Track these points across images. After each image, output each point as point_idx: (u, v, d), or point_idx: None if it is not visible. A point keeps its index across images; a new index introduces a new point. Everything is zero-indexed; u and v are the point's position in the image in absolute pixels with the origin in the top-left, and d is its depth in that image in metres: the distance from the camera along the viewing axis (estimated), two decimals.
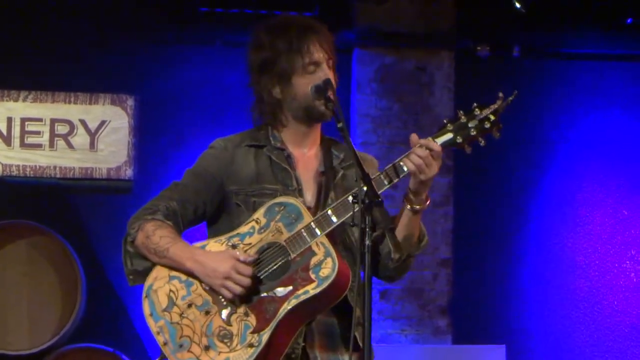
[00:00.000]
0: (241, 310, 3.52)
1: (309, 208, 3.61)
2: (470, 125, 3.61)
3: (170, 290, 3.57)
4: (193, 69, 6.69)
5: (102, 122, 6.46)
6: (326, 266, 3.49)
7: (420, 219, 3.67)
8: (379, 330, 6.54)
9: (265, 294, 3.52)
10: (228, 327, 3.52)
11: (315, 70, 3.66)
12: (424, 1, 6.75)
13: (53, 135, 6.43)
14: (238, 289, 3.49)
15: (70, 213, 6.56)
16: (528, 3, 6.42)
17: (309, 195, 3.69)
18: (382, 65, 6.75)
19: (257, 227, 3.59)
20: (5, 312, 6.17)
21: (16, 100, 6.44)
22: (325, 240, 3.53)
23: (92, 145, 6.45)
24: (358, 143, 6.61)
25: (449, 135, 3.62)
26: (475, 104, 3.63)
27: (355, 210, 3.41)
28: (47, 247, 6.21)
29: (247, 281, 3.49)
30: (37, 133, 6.43)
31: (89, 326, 6.34)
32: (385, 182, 3.60)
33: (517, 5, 6.42)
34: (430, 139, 3.59)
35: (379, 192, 3.49)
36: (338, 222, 3.54)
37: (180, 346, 3.53)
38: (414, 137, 3.61)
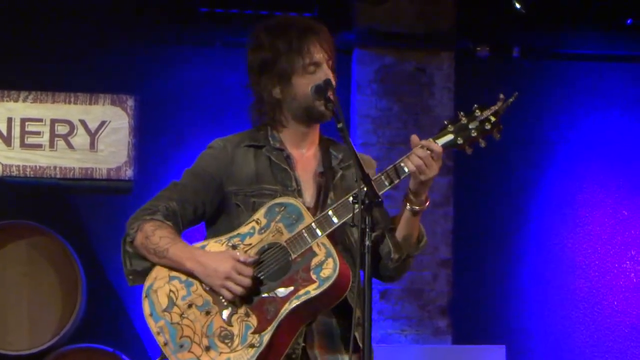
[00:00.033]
0: (242, 310, 3.52)
1: (308, 208, 3.61)
2: (470, 126, 3.62)
3: (170, 291, 3.57)
4: (193, 69, 6.70)
5: (102, 123, 6.47)
6: (327, 267, 3.49)
7: (420, 220, 3.67)
8: (379, 331, 6.54)
9: (266, 295, 3.52)
10: (229, 328, 3.52)
11: (315, 71, 3.66)
12: (424, 1, 6.75)
13: (53, 135, 6.43)
14: (238, 289, 3.49)
15: (71, 213, 6.56)
16: (528, 3, 6.43)
17: (308, 195, 3.69)
18: (382, 65, 6.75)
19: (257, 227, 3.59)
20: (5, 312, 6.17)
21: (16, 100, 6.44)
22: (326, 241, 3.53)
23: (92, 145, 6.46)
24: (358, 144, 6.61)
25: (450, 137, 3.62)
26: (475, 106, 3.64)
27: (358, 211, 3.41)
28: (47, 248, 6.21)
29: (247, 281, 3.49)
30: (37, 133, 6.43)
31: (89, 326, 6.34)
32: (386, 183, 3.60)
33: (517, 5, 6.43)
34: (431, 140, 3.60)
35: (380, 193, 3.49)
36: (339, 223, 3.54)
37: (181, 346, 3.52)
38: (414, 138, 3.62)
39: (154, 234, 3.58)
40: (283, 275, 3.52)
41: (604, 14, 6.78)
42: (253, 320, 3.50)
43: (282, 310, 3.48)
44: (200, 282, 3.56)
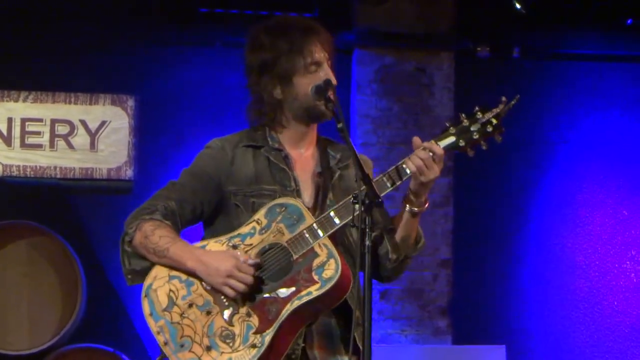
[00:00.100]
0: (243, 310, 3.52)
1: (307, 208, 3.61)
2: (472, 128, 3.62)
3: (170, 290, 3.57)
4: (193, 69, 6.70)
5: (103, 123, 6.47)
6: (329, 267, 3.50)
7: (419, 221, 3.67)
8: (379, 331, 6.54)
9: (267, 295, 3.52)
10: (230, 328, 3.52)
11: (316, 70, 3.66)
12: (424, 2, 6.75)
13: (53, 135, 6.43)
14: (241, 287, 3.49)
15: (71, 213, 6.56)
16: (528, 3, 6.43)
17: (307, 195, 3.69)
18: (382, 66, 6.75)
19: (258, 227, 3.59)
20: (5, 312, 6.17)
21: (16, 100, 6.44)
22: (328, 242, 3.53)
23: (93, 145, 6.46)
24: (358, 144, 6.61)
25: (452, 139, 3.63)
26: (477, 107, 3.64)
27: (359, 211, 3.41)
28: (47, 248, 6.21)
29: (249, 279, 3.49)
30: (38, 133, 6.44)
31: (89, 326, 6.34)
32: (388, 185, 3.60)
33: (517, 5, 6.43)
34: (433, 141, 3.60)
35: (382, 194, 3.49)
36: (341, 224, 3.54)
37: (182, 346, 3.52)
38: (416, 139, 3.62)
39: (153, 234, 3.58)
40: (284, 275, 3.52)
41: (604, 14, 6.78)
42: (254, 321, 3.50)
43: (283, 311, 3.48)
44: (201, 281, 3.56)
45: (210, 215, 3.71)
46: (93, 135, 6.46)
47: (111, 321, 6.49)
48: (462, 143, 3.62)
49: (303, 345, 3.58)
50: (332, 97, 3.60)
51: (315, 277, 3.49)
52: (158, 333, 3.55)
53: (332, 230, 3.54)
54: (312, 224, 3.54)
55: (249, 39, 3.75)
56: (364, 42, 6.74)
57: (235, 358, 3.48)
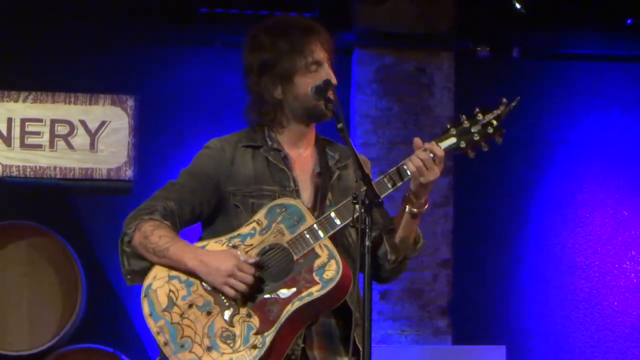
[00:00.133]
0: (244, 311, 3.51)
1: (307, 209, 3.61)
2: (473, 130, 3.62)
3: (170, 290, 3.57)
4: (193, 69, 6.69)
5: (102, 123, 6.47)
6: (330, 268, 3.50)
7: (419, 222, 3.68)
8: (379, 331, 6.54)
9: (268, 296, 3.52)
10: (231, 328, 3.51)
11: (317, 70, 3.66)
12: (424, 2, 6.75)
13: (53, 135, 6.43)
14: (241, 286, 3.49)
15: (71, 214, 6.56)
16: (528, 3, 6.42)
17: (306, 195, 3.69)
18: (382, 66, 6.75)
19: (258, 228, 3.59)
20: (5, 312, 6.16)
21: (16, 100, 6.44)
22: (329, 243, 3.53)
23: (92, 145, 6.46)
24: (358, 144, 6.61)
25: (453, 140, 3.63)
26: (477, 109, 3.64)
27: (359, 211, 3.40)
28: (47, 248, 6.21)
29: (250, 279, 3.49)
30: (37, 134, 6.43)
31: (89, 327, 6.34)
32: (389, 185, 3.60)
33: (517, 5, 6.42)
34: (434, 143, 3.60)
35: (383, 195, 3.49)
36: (342, 225, 3.54)
37: (182, 346, 3.52)
38: (417, 140, 3.61)
39: (152, 234, 3.58)
40: (285, 276, 3.52)
41: (604, 14, 6.78)
42: (255, 321, 3.50)
43: (284, 312, 3.48)
44: (201, 281, 3.56)
45: (209, 215, 3.71)
46: (93, 135, 6.45)
47: (111, 321, 6.49)
48: (462, 144, 3.62)
49: (303, 345, 3.58)
50: (332, 97, 3.60)
51: (316, 278, 3.49)
52: (158, 333, 3.55)
53: (333, 231, 3.54)
54: (312, 225, 3.54)
55: (249, 39, 3.74)
56: (364, 42, 6.74)
57: (236, 359, 3.47)
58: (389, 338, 6.60)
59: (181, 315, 3.54)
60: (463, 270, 6.76)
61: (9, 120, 6.42)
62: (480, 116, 3.63)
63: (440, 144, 3.60)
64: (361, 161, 3.69)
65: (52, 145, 6.43)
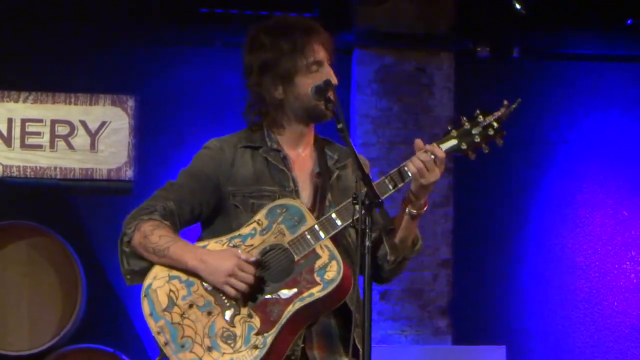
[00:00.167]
0: (245, 311, 3.51)
1: (308, 210, 3.61)
2: (474, 131, 3.63)
3: (170, 290, 3.57)
4: (193, 69, 6.69)
5: (103, 123, 6.47)
6: (331, 269, 3.50)
7: (417, 223, 3.68)
8: (379, 331, 6.54)
9: (269, 296, 3.52)
10: (231, 329, 3.51)
11: (317, 70, 3.66)
12: (424, 2, 6.75)
13: (53, 136, 6.43)
14: (242, 286, 3.49)
15: (71, 214, 6.56)
16: (528, 4, 6.43)
17: (305, 195, 3.69)
18: (382, 66, 6.75)
19: (259, 228, 3.59)
20: (5, 312, 6.16)
21: (16, 101, 6.44)
22: (330, 244, 3.53)
23: (93, 146, 6.46)
24: (358, 144, 6.61)
25: (454, 142, 3.63)
26: (478, 111, 3.64)
27: (359, 212, 3.40)
28: (47, 248, 6.21)
29: (250, 279, 3.49)
30: (38, 134, 6.44)
31: (89, 327, 6.34)
32: (390, 187, 3.60)
33: (517, 5, 6.42)
34: (434, 144, 3.60)
35: (384, 197, 3.50)
36: (343, 226, 3.54)
37: (182, 346, 3.52)
38: (418, 142, 3.61)
39: (152, 233, 3.58)
40: (286, 276, 3.52)
41: (604, 14, 6.78)
42: (256, 322, 3.50)
43: (285, 312, 3.48)
44: (202, 281, 3.56)
45: (208, 215, 3.71)
46: (93, 135, 6.45)
47: (111, 321, 6.49)
48: (463, 146, 3.62)
49: (302, 345, 3.58)
50: (332, 97, 3.60)
51: (317, 279, 3.49)
52: (158, 333, 3.55)
53: (334, 232, 3.54)
54: (313, 226, 3.54)
55: (249, 39, 3.74)
56: (364, 42, 6.74)
57: (237, 359, 3.47)
58: (389, 338, 6.60)
59: (182, 315, 3.54)
60: (463, 270, 6.76)
61: (9, 121, 6.42)
62: (480, 118, 3.64)
63: (441, 146, 3.60)
64: (361, 161, 3.70)
65: (52, 145, 6.44)
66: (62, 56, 6.51)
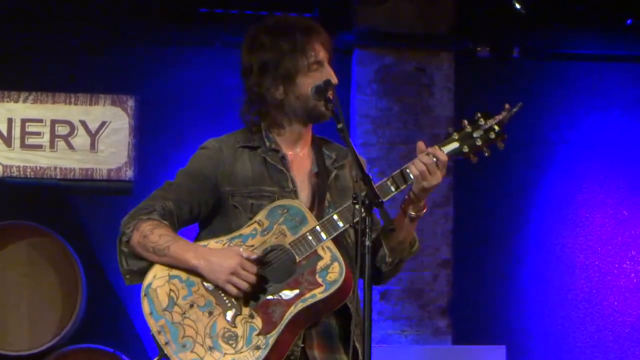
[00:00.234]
0: (246, 312, 3.51)
1: (309, 211, 3.61)
2: (475, 135, 3.63)
3: (171, 290, 3.56)
4: (193, 69, 6.69)
5: (103, 123, 6.46)
6: (333, 271, 3.50)
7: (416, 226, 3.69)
8: (379, 331, 6.54)
9: (271, 297, 3.51)
10: (233, 329, 3.51)
11: (318, 70, 3.66)
12: (424, 2, 6.75)
13: (53, 136, 6.43)
14: (244, 285, 3.49)
15: (71, 214, 6.56)
16: (528, 3, 6.43)
17: (304, 195, 3.69)
18: (382, 66, 6.75)
19: (259, 229, 3.59)
20: (5, 312, 6.16)
21: (16, 101, 6.44)
22: (332, 245, 3.53)
23: (93, 146, 6.46)
24: (358, 144, 6.61)
25: (456, 145, 3.63)
26: (479, 113, 3.65)
27: (359, 211, 3.40)
28: (47, 248, 6.21)
29: (253, 278, 3.49)
30: (38, 134, 6.43)
31: (89, 327, 6.34)
32: (392, 189, 3.60)
33: (517, 5, 6.43)
34: (436, 147, 3.60)
35: (386, 199, 3.50)
36: (345, 227, 3.54)
37: (183, 346, 3.51)
38: (420, 144, 3.61)
39: (152, 233, 3.57)
40: (288, 277, 3.52)
41: (604, 14, 6.77)
42: (258, 322, 3.50)
43: (287, 313, 3.48)
44: (202, 281, 3.55)
45: (207, 215, 3.71)
46: (93, 135, 6.45)
47: (111, 321, 6.49)
48: (465, 149, 3.63)
49: (302, 345, 3.58)
50: (331, 97, 3.60)
51: (319, 280, 3.49)
52: (159, 333, 3.54)
53: (335, 234, 3.54)
54: (315, 227, 3.54)
55: (248, 39, 3.74)
56: (364, 42, 6.74)
57: (239, 359, 3.47)
58: (389, 338, 6.60)
59: (182, 315, 3.54)
60: (463, 270, 6.76)
61: (9, 121, 6.42)
62: (482, 121, 3.64)
63: (443, 148, 3.61)
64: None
65: (52, 145, 6.43)
66: (62, 56, 6.51)
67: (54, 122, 6.43)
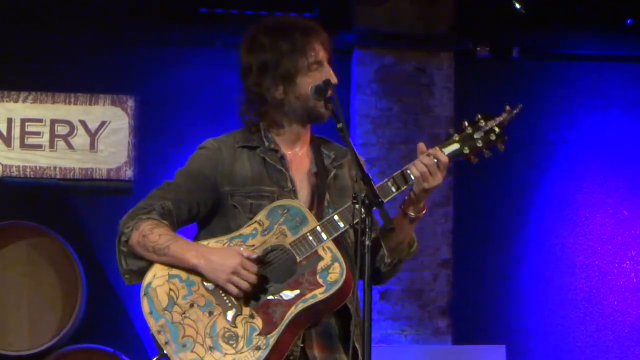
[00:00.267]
0: (246, 312, 3.51)
1: (309, 211, 3.61)
2: (476, 136, 3.63)
3: (171, 289, 3.56)
4: (193, 69, 6.69)
5: (102, 123, 6.46)
6: (334, 271, 3.50)
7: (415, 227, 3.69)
8: (379, 331, 6.54)
9: (271, 297, 3.51)
10: (233, 329, 3.51)
11: (318, 70, 3.66)
12: (424, 2, 6.75)
13: (53, 136, 6.43)
14: (245, 285, 3.48)
15: (71, 214, 6.56)
16: (528, 4, 6.43)
17: (303, 195, 3.69)
18: (382, 66, 6.75)
19: (260, 229, 3.58)
20: (5, 312, 6.16)
21: (16, 101, 6.43)
22: (332, 245, 3.53)
23: (92, 146, 6.45)
24: (358, 144, 6.61)
25: (456, 146, 3.64)
26: (479, 115, 3.65)
27: (359, 211, 3.40)
28: (47, 248, 6.21)
29: (254, 278, 3.49)
30: (37, 134, 6.43)
31: (89, 327, 6.34)
32: (393, 189, 3.60)
33: (517, 5, 6.43)
34: (437, 148, 3.60)
35: (387, 199, 3.50)
36: (345, 228, 3.54)
37: (184, 346, 3.51)
38: (421, 145, 3.61)
39: (152, 232, 3.57)
40: (288, 277, 3.52)
41: (604, 14, 6.78)
42: (258, 322, 3.49)
43: (288, 313, 3.47)
44: (202, 281, 3.55)
45: (205, 215, 3.70)
46: (93, 135, 6.45)
47: (111, 321, 6.49)
48: (466, 150, 3.63)
49: (302, 345, 3.58)
50: (331, 96, 3.59)
51: (320, 280, 3.49)
52: (159, 332, 3.54)
53: (336, 234, 3.54)
54: (315, 227, 3.54)
55: (247, 39, 3.74)
56: (364, 42, 6.74)
57: None
58: (388, 338, 6.60)
59: (182, 315, 3.54)
60: (463, 270, 6.76)
61: (9, 121, 6.42)
62: (482, 122, 3.64)
63: (443, 150, 3.61)
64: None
65: (52, 145, 6.43)
66: (62, 56, 6.51)
67: (53, 122, 6.43)
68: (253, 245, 3.57)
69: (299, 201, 3.63)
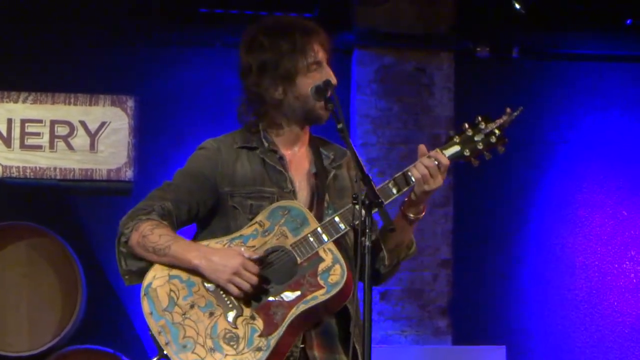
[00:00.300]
0: (247, 313, 3.51)
1: (310, 212, 3.61)
2: (476, 138, 3.63)
3: (171, 290, 3.56)
4: (193, 70, 6.69)
5: (102, 123, 6.46)
6: (335, 273, 3.49)
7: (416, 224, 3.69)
8: (379, 331, 6.53)
9: (272, 298, 3.51)
10: (234, 330, 3.50)
11: (317, 70, 3.66)
12: (424, 2, 6.75)
13: (53, 136, 6.43)
14: (246, 286, 3.48)
15: (70, 214, 6.55)
16: (528, 4, 6.43)
17: (303, 196, 3.69)
18: (382, 66, 6.75)
19: (260, 230, 3.58)
20: (5, 313, 6.16)
21: (16, 101, 6.43)
22: (333, 247, 3.53)
23: (92, 146, 6.45)
24: (358, 144, 6.61)
25: (457, 148, 3.63)
26: (479, 117, 3.65)
27: (359, 211, 3.40)
28: (47, 249, 6.21)
29: (255, 279, 3.48)
30: (37, 134, 6.43)
31: (89, 327, 6.33)
32: (394, 191, 3.60)
33: (517, 6, 6.42)
34: (438, 150, 3.60)
35: (388, 201, 3.50)
36: (346, 229, 3.54)
37: (184, 347, 3.51)
38: (422, 147, 3.61)
39: (152, 233, 3.57)
40: (289, 279, 3.52)
41: (604, 14, 6.78)
42: (259, 324, 3.49)
43: (289, 315, 3.47)
44: (203, 281, 3.55)
45: (205, 216, 3.70)
46: (93, 136, 6.45)
47: (111, 322, 6.49)
48: (467, 152, 3.63)
49: (302, 346, 3.57)
50: (331, 97, 3.59)
51: (321, 282, 3.49)
52: (159, 333, 3.54)
53: (337, 236, 3.54)
54: (316, 228, 3.54)
55: (247, 39, 3.73)
56: (364, 42, 6.74)
57: None
58: (389, 338, 6.60)
59: (183, 316, 3.54)
60: (463, 270, 6.76)
61: (9, 121, 6.42)
62: (482, 125, 3.64)
63: (444, 152, 3.61)
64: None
65: (52, 146, 6.43)
66: (62, 56, 6.51)
67: (53, 123, 6.43)
68: (254, 246, 3.56)
69: (299, 202, 3.62)
